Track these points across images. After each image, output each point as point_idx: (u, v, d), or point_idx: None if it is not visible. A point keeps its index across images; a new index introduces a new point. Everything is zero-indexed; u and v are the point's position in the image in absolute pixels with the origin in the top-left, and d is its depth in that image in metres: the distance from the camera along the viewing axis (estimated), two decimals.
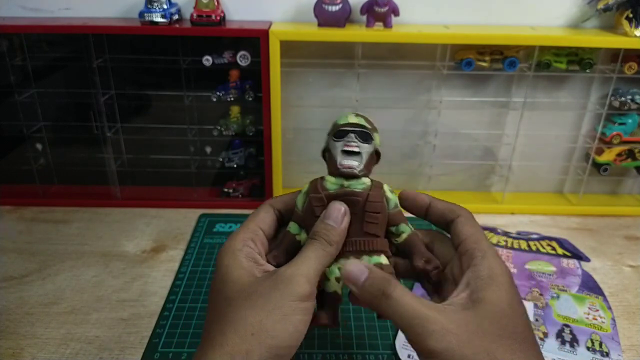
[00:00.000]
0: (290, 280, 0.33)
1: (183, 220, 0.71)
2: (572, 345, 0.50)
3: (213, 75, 0.70)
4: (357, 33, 0.65)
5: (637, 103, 0.70)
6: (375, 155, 0.38)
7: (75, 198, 0.75)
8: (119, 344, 0.49)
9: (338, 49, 0.70)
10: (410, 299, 0.32)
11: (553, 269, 0.61)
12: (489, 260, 0.34)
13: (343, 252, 0.36)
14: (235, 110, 0.73)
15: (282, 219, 0.40)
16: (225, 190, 0.76)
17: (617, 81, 0.69)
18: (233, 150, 0.75)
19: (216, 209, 0.74)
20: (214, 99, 0.71)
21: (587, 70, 0.69)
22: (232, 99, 0.71)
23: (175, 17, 0.66)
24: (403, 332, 0.32)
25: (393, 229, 0.38)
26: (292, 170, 0.77)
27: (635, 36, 0.65)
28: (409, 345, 0.49)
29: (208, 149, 0.76)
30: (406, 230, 0.38)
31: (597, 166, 0.75)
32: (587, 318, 0.53)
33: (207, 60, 0.68)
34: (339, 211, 0.35)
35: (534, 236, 0.68)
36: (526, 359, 0.30)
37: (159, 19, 0.64)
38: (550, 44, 0.67)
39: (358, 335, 0.50)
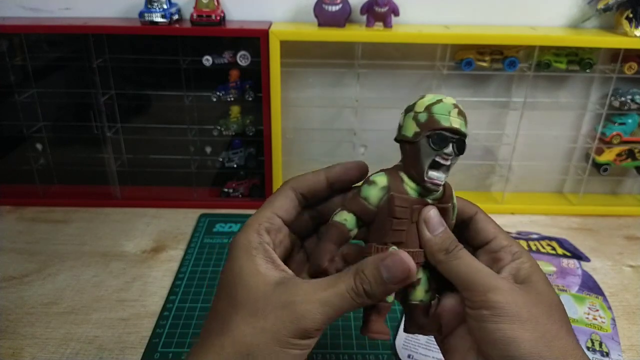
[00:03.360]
0: (294, 309, 0.29)
1: (183, 220, 0.71)
2: None
3: (213, 75, 0.70)
4: (357, 33, 0.65)
5: (637, 103, 0.70)
6: None
7: (75, 198, 0.75)
8: (119, 344, 0.49)
9: (338, 49, 0.70)
10: (473, 260, 0.33)
11: (553, 268, 0.61)
12: (528, 256, 0.34)
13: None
14: (235, 110, 0.73)
15: (307, 203, 0.36)
16: (225, 190, 0.76)
17: (617, 81, 0.69)
18: (233, 150, 0.75)
19: (216, 209, 0.74)
20: (214, 99, 0.71)
21: (587, 70, 0.69)
22: (232, 99, 0.71)
23: (175, 17, 0.66)
24: (461, 287, 0.32)
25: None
26: (292, 170, 0.76)
27: (635, 36, 0.65)
28: (409, 345, 0.49)
29: (208, 149, 0.76)
30: None
31: (597, 166, 0.75)
32: (587, 318, 0.53)
33: (207, 60, 0.68)
34: (405, 263, 0.30)
35: (534, 236, 0.68)
36: (572, 343, 0.31)
37: (159, 19, 0.64)
38: (550, 44, 0.67)
39: (358, 335, 0.50)
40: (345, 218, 0.33)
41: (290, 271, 0.32)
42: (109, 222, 0.70)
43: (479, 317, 0.31)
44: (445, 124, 0.31)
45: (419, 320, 0.34)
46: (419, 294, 0.33)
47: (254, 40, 0.65)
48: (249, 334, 0.29)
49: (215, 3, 0.65)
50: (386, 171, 0.33)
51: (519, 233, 0.69)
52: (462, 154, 0.32)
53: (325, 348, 0.48)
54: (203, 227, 0.69)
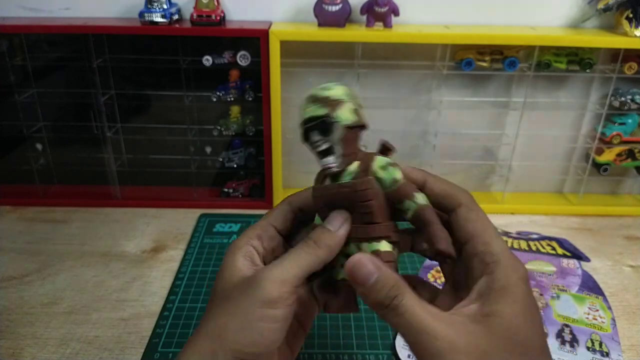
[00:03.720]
0: (257, 284, 0.31)
1: (183, 220, 0.71)
2: (572, 345, 0.50)
3: (213, 75, 0.70)
4: (357, 33, 0.65)
5: (637, 103, 0.70)
6: (352, 129, 0.35)
7: (75, 198, 0.75)
8: (119, 344, 0.49)
9: (338, 49, 0.70)
10: (420, 310, 0.29)
11: (553, 268, 0.61)
12: (503, 267, 0.30)
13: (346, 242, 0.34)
14: (235, 110, 0.73)
15: (304, 216, 0.37)
16: (225, 190, 0.76)
17: (617, 81, 0.69)
18: (233, 150, 0.75)
19: (216, 209, 0.74)
20: (214, 99, 0.71)
21: (587, 70, 0.69)
22: (232, 99, 0.71)
23: (175, 17, 0.66)
24: (409, 345, 0.29)
25: (400, 206, 0.34)
26: (292, 170, 0.76)
27: (635, 36, 0.65)
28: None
29: (208, 149, 0.76)
30: (411, 206, 0.33)
31: (597, 166, 0.75)
32: (587, 318, 0.53)
33: (207, 60, 0.68)
34: (338, 218, 0.33)
35: (534, 236, 0.68)
36: None
37: (159, 19, 0.64)
38: (550, 44, 0.67)
39: (358, 335, 0.50)
40: (317, 219, 0.36)
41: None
42: (109, 222, 0.70)
43: None
44: (301, 119, 0.35)
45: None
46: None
47: (254, 40, 0.65)
48: (222, 317, 0.31)
49: (215, 3, 0.65)
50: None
51: (518, 233, 0.69)
52: (330, 132, 0.34)
53: (325, 348, 0.48)
54: (203, 227, 0.69)
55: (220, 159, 0.76)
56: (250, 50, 0.68)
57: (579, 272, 0.61)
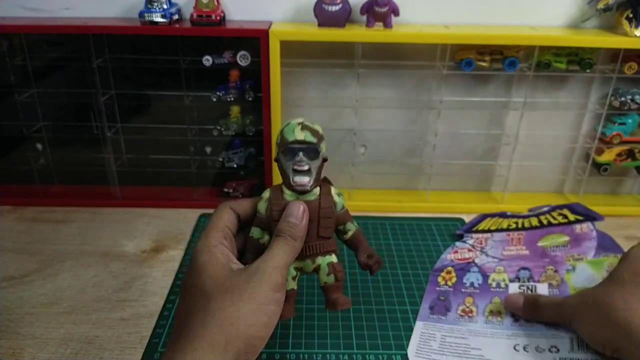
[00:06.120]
0: (264, 271, 0.36)
1: (183, 220, 0.71)
2: None
3: (213, 75, 0.70)
4: (357, 33, 0.65)
5: (637, 103, 0.70)
6: (324, 161, 0.42)
7: (75, 198, 0.75)
8: (119, 344, 0.49)
9: (338, 49, 0.70)
10: (553, 301, 0.47)
11: (566, 238, 0.60)
12: None
13: (302, 256, 0.41)
14: (235, 110, 0.73)
15: (240, 223, 0.43)
16: (225, 190, 0.76)
17: (617, 81, 0.69)
18: (233, 150, 0.75)
19: None
20: (214, 99, 0.71)
21: (587, 70, 0.69)
22: (232, 99, 0.71)
23: (175, 17, 0.66)
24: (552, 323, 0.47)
25: (341, 227, 0.43)
26: None
27: (635, 36, 0.65)
28: (421, 352, 0.48)
29: (208, 149, 0.76)
30: (352, 228, 0.43)
31: (597, 166, 0.75)
32: None
33: (207, 60, 0.68)
34: (299, 209, 0.40)
35: (545, 209, 0.67)
36: None
37: (159, 19, 0.64)
38: (550, 44, 0.67)
39: (358, 335, 0.50)
40: (253, 232, 0.42)
41: (241, 265, 0.39)
42: (109, 222, 0.70)
43: None
44: (291, 138, 0.40)
45: (330, 298, 0.42)
46: (323, 277, 0.42)
47: (254, 40, 0.65)
48: (231, 307, 0.34)
49: (215, 3, 0.65)
50: (271, 187, 0.42)
51: (530, 210, 0.69)
52: (314, 158, 0.40)
53: (325, 348, 0.48)
54: (203, 227, 0.69)
55: (220, 159, 0.76)
56: (250, 50, 0.68)
57: (594, 234, 0.59)
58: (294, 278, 0.42)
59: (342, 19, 0.65)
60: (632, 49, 0.66)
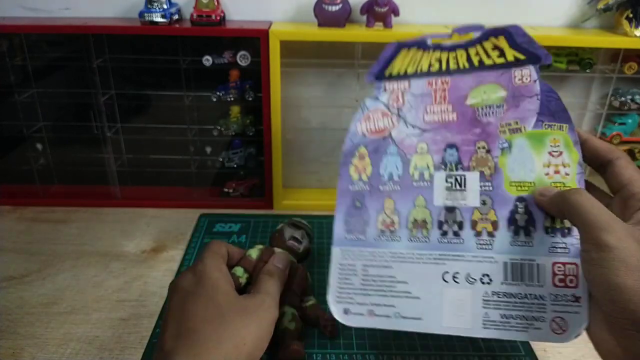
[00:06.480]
0: (270, 303, 0.43)
1: (183, 220, 0.71)
2: (527, 233, 0.41)
3: (213, 75, 0.70)
4: (357, 33, 0.65)
5: (637, 103, 0.70)
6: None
7: (75, 198, 0.75)
8: (119, 344, 0.49)
9: (338, 49, 0.70)
10: (593, 201, 0.36)
11: (503, 93, 0.45)
12: None
13: (282, 303, 0.47)
14: (235, 110, 0.73)
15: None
16: (225, 190, 0.76)
17: (617, 81, 0.69)
18: (233, 150, 0.75)
19: (216, 209, 0.74)
20: (214, 99, 0.71)
21: (587, 70, 0.69)
22: (232, 99, 0.71)
23: (175, 17, 0.66)
24: (578, 225, 0.36)
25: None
26: (292, 170, 0.77)
27: (635, 36, 0.65)
28: None
29: (208, 149, 0.76)
30: (312, 300, 0.53)
31: None
32: (548, 174, 0.42)
33: (207, 60, 0.68)
34: (286, 259, 0.50)
35: (476, 34, 0.47)
36: None
37: (159, 19, 0.64)
38: (550, 44, 0.66)
39: (358, 335, 0.50)
40: (236, 270, 0.49)
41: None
42: (109, 222, 0.70)
43: (589, 259, 0.34)
44: (287, 228, 0.56)
45: (288, 342, 0.46)
46: (285, 323, 0.47)
47: (254, 40, 0.65)
48: (243, 329, 0.39)
49: (215, 3, 0.65)
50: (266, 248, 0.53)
51: (455, 31, 0.47)
52: (304, 238, 0.56)
53: (325, 348, 0.49)
54: (203, 227, 0.69)
55: (220, 159, 0.76)
56: (250, 50, 0.68)
57: (537, 87, 0.44)
58: (289, 320, 0.48)
59: (342, 19, 0.65)
60: (632, 49, 0.66)
